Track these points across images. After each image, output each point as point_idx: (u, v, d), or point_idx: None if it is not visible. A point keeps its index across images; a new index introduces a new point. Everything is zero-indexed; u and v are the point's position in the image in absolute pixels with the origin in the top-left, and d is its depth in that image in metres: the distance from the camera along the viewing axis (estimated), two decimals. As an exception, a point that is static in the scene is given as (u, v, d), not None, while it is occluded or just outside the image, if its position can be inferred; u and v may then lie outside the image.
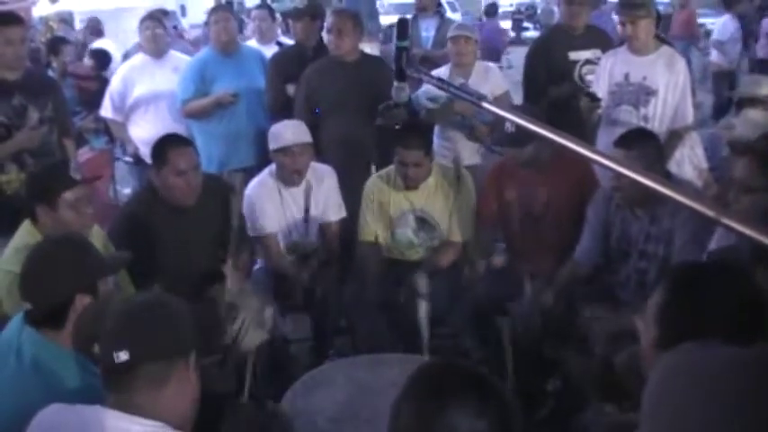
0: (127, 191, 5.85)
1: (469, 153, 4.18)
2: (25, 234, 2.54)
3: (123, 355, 1.41)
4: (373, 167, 3.94)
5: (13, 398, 1.75)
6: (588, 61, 4.08)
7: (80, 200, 2.52)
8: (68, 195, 2.49)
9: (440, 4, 5.55)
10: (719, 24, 8.87)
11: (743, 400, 0.70)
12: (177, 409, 1.45)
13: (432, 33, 5.02)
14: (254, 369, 2.62)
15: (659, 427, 0.82)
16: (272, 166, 3.52)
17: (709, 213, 1.41)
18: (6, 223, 3.16)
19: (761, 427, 0.68)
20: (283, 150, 3.38)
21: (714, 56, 8.74)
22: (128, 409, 1.42)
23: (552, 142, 1.58)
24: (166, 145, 3.03)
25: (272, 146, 3.42)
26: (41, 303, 1.87)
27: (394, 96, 2.12)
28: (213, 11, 4.65)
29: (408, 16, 5.36)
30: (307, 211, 3.53)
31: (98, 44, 7.81)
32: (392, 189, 3.48)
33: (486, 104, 1.81)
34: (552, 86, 4.08)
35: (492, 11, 14.09)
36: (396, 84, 2.13)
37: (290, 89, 4.13)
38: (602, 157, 1.68)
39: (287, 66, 4.25)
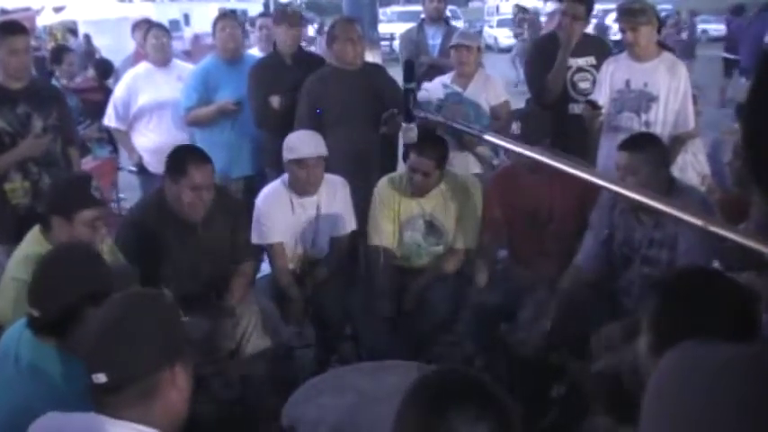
0: (127, 198, 5.88)
1: (464, 162, 4.11)
2: (34, 242, 2.55)
3: (102, 377, 1.36)
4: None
5: (11, 402, 1.76)
6: (580, 69, 4.09)
7: (97, 219, 2.53)
8: (87, 214, 2.49)
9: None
10: None
11: (742, 398, 0.70)
12: (167, 417, 1.43)
13: (438, 41, 5.01)
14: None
15: (658, 428, 0.82)
16: (285, 176, 3.49)
17: (721, 232, 1.41)
18: (11, 232, 3.18)
19: (760, 426, 0.68)
20: (298, 162, 3.34)
21: None
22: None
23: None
24: (187, 157, 2.98)
25: (286, 156, 3.36)
26: (50, 311, 1.86)
27: (403, 138, 2.17)
28: (219, 18, 4.61)
29: (411, 26, 5.42)
30: (317, 222, 3.51)
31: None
32: (402, 193, 3.48)
33: (487, 136, 1.84)
34: (544, 73, 4.06)
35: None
36: (404, 125, 2.17)
37: (275, 101, 4.06)
38: (602, 180, 1.69)
39: (266, 75, 4.17)
